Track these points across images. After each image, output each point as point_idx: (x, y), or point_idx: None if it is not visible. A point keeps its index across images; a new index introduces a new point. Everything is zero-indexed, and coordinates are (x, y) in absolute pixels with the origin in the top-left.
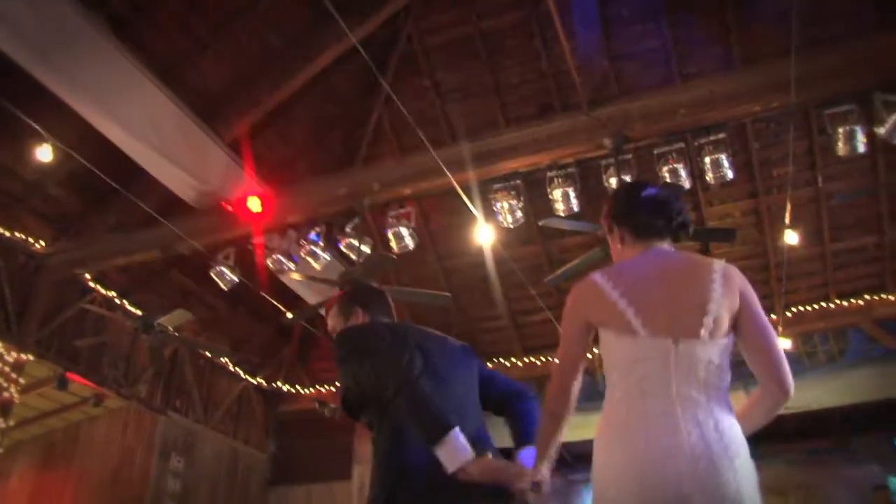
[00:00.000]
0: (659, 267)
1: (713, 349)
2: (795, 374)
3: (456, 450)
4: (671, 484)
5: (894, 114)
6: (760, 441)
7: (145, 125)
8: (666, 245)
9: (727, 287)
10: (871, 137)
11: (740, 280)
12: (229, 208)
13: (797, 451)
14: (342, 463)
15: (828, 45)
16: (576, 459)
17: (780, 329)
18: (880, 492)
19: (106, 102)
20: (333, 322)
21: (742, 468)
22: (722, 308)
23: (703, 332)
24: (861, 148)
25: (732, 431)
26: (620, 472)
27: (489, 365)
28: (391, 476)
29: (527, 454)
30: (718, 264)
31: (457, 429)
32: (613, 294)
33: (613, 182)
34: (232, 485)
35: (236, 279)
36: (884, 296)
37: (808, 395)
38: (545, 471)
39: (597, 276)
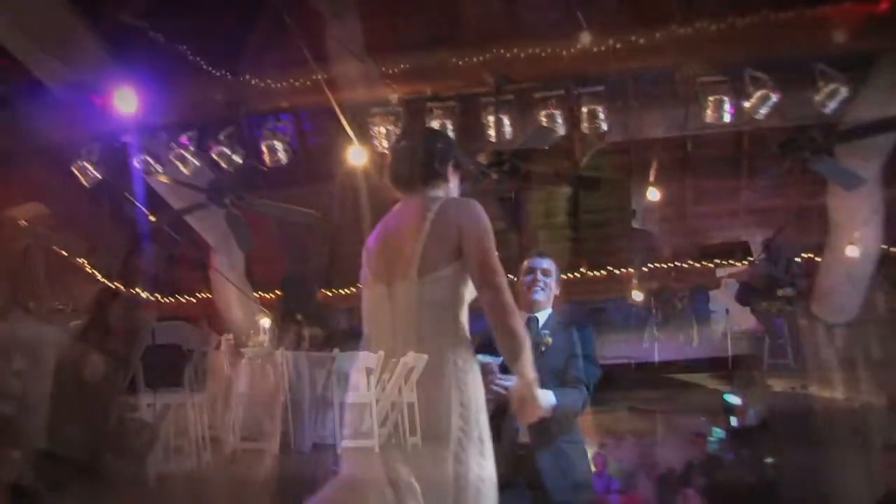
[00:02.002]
0: (392, 218)
1: (428, 286)
2: (647, 327)
3: None
4: None
5: (760, 89)
6: (606, 389)
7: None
8: (428, 193)
9: (439, 224)
10: (739, 109)
11: (462, 215)
12: (99, 102)
13: (637, 399)
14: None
15: (709, 17)
16: None
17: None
18: (699, 438)
19: None
20: None
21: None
22: (431, 246)
23: (412, 272)
24: (727, 118)
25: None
26: None
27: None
28: None
29: None
30: (438, 203)
31: None
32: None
33: (492, 120)
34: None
35: (99, 176)
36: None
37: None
38: None
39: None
